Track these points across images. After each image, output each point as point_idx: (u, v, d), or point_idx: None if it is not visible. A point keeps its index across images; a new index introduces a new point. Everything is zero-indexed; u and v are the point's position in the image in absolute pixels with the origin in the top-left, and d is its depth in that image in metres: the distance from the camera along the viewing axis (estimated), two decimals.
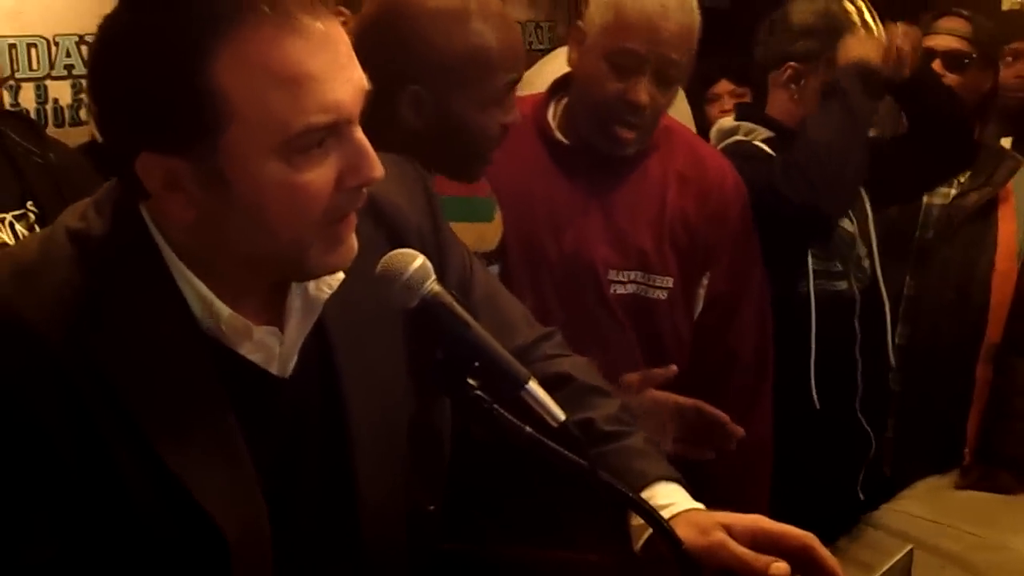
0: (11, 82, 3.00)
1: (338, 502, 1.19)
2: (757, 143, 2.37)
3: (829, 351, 2.33)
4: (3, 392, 1.02)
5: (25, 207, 2.33)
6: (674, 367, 1.95)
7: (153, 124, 1.03)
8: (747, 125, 2.42)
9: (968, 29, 2.80)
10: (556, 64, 2.35)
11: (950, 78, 2.68)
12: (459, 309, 1.08)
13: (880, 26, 2.29)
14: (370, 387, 1.20)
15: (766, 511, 2.10)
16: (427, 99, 1.65)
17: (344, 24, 1.11)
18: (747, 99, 2.60)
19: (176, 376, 1.08)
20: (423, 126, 1.67)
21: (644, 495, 1.21)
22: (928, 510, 2.46)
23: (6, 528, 1.04)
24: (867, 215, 2.42)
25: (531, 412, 1.08)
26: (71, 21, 3.09)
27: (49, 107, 3.09)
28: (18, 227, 2.31)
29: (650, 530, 1.18)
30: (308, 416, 1.18)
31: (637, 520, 1.21)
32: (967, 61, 2.77)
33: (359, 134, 1.07)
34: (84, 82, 3.14)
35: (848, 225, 2.39)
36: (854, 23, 2.29)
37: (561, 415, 1.07)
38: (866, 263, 2.43)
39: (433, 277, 1.09)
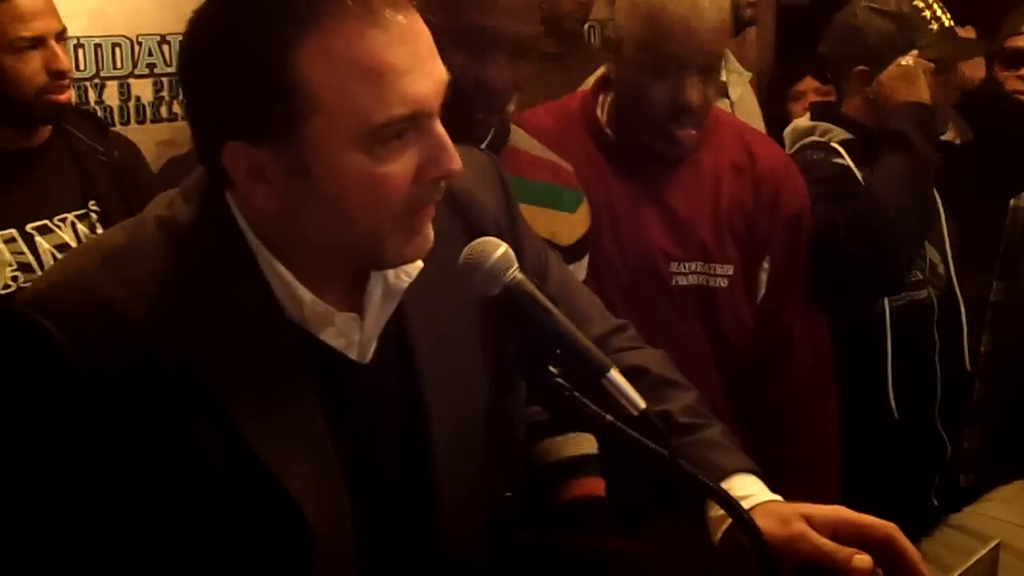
0: (96, 80, 3.08)
1: (417, 490, 1.20)
2: (834, 145, 2.31)
3: (909, 359, 2.29)
4: (94, 375, 1.04)
5: (87, 207, 2.36)
6: None
7: (239, 114, 1.05)
8: (824, 125, 2.36)
9: None
10: None
11: None
12: (541, 296, 1.09)
13: (953, 25, 2.23)
14: (448, 375, 1.21)
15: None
16: None
17: None
18: (832, 97, 2.54)
19: (261, 361, 1.10)
20: None
21: (722, 486, 1.19)
22: (1012, 513, 2.40)
23: (94, 507, 1.06)
24: (940, 219, 2.36)
25: (610, 401, 1.08)
26: (153, 22, 3.17)
27: (132, 104, 3.16)
28: (79, 227, 2.35)
29: (729, 521, 1.17)
30: (387, 403, 1.19)
31: (715, 511, 1.21)
32: None
33: (438, 127, 1.08)
34: (165, 80, 3.21)
35: None
36: (927, 24, 2.22)
37: (642, 403, 1.07)
38: (941, 268, 2.38)
39: (516, 265, 1.10)
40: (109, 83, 3.11)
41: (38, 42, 2.25)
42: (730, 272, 2.04)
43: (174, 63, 3.16)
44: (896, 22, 2.25)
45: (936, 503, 2.45)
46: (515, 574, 1.32)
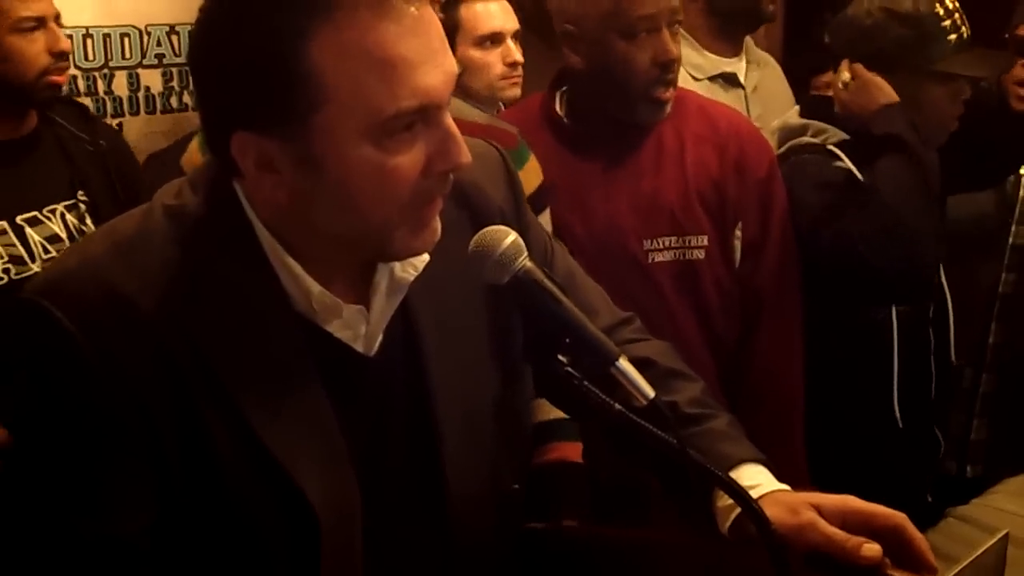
0: (105, 70, 3.09)
1: (425, 482, 1.20)
2: (831, 147, 2.18)
3: (908, 363, 2.26)
4: (102, 363, 1.04)
5: (76, 197, 2.37)
6: None
7: (249, 104, 1.04)
8: (817, 125, 2.22)
9: None
10: None
11: None
12: (550, 285, 1.09)
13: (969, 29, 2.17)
14: (454, 367, 1.21)
15: (804, 469, 2.07)
16: None
17: None
18: None
19: (269, 351, 1.10)
20: None
21: (731, 476, 1.19)
22: (1019, 505, 2.39)
23: (104, 496, 1.07)
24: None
25: (617, 392, 1.08)
26: (162, 12, 3.18)
27: (141, 94, 3.18)
28: (69, 217, 2.34)
29: (737, 510, 1.17)
30: (394, 396, 1.19)
31: (723, 501, 1.20)
32: None
33: (448, 119, 1.08)
34: (175, 70, 3.22)
35: None
36: (946, 35, 2.12)
37: (651, 392, 1.07)
38: None
39: (525, 254, 1.10)
40: (118, 73, 3.12)
41: (41, 22, 2.28)
42: (705, 243, 2.04)
43: (183, 53, 3.17)
44: (913, 28, 2.12)
45: (931, 500, 2.43)
46: (523, 565, 1.32)
